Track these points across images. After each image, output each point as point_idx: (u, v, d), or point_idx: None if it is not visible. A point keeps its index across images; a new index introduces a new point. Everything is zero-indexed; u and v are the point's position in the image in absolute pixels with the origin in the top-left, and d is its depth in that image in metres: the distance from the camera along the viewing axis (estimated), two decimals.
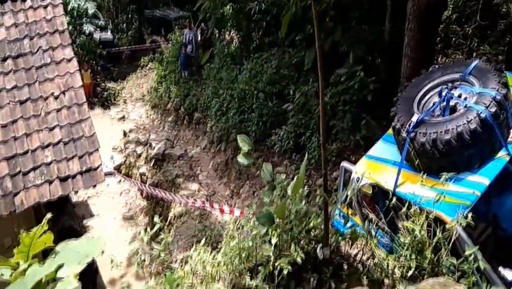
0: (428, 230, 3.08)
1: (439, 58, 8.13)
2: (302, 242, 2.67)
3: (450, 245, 2.80)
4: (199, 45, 12.93)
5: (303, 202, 2.67)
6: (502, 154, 3.59)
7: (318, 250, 2.57)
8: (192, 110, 10.85)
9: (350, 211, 4.09)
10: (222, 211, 6.34)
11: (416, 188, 3.64)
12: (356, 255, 2.84)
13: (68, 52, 6.26)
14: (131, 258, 7.42)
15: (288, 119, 7.40)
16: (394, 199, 3.36)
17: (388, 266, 2.71)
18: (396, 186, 3.71)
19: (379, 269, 2.70)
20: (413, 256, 2.69)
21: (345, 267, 2.71)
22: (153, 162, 9.83)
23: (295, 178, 2.73)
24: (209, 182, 8.38)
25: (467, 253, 2.66)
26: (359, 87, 6.79)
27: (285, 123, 7.43)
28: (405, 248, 2.76)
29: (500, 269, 3.27)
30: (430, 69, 4.41)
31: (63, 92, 5.97)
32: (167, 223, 7.58)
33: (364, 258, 2.83)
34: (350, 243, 2.88)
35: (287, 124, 7.35)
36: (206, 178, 8.61)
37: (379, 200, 3.82)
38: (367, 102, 6.56)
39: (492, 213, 4.02)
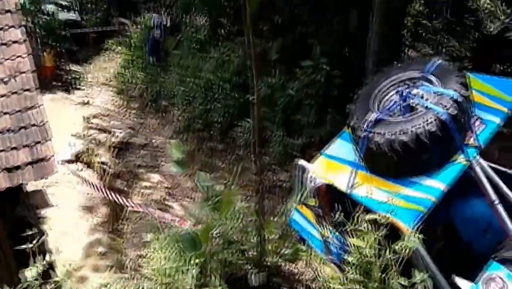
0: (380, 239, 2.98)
1: (409, 52, 8.10)
2: (234, 267, 2.49)
3: (403, 262, 2.71)
4: (168, 31, 12.51)
5: (239, 218, 2.50)
6: (460, 158, 3.52)
7: (249, 277, 2.40)
8: (158, 98, 10.54)
9: (307, 210, 3.99)
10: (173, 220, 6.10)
11: (372, 191, 3.54)
12: (299, 275, 2.70)
13: (19, 34, 5.83)
14: (88, 250, 7.18)
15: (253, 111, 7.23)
16: (349, 202, 3.27)
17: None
18: (351, 188, 3.60)
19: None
20: (360, 278, 2.56)
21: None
22: (115, 151, 9.49)
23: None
24: (173, 174, 8.17)
25: (417, 278, 2.56)
26: (325, 81, 6.68)
27: (250, 115, 7.25)
28: (352, 268, 2.65)
29: (455, 278, 3.22)
30: (391, 66, 4.33)
31: (13, 77, 5.60)
32: (126, 216, 7.34)
33: (309, 277, 2.69)
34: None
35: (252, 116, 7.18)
36: (170, 169, 8.39)
37: (336, 201, 3.71)
38: (333, 96, 6.47)
39: (450, 221, 3.97)
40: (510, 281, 3.07)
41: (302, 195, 3.87)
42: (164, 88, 10.30)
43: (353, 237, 2.77)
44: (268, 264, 2.53)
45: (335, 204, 3.60)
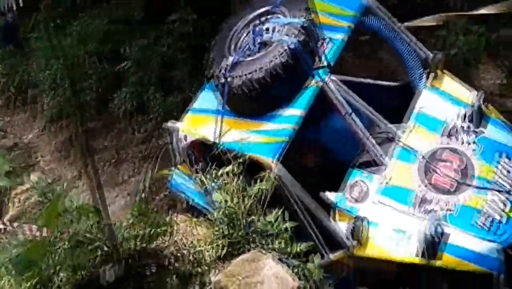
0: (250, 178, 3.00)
1: None
2: (87, 270, 2.31)
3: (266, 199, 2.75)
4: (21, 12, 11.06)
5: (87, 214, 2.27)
6: (313, 81, 3.60)
7: (102, 276, 2.24)
8: (24, 89, 9.42)
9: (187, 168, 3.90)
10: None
11: (241, 134, 3.53)
12: (166, 247, 2.61)
13: None
14: None
15: (128, 78, 6.81)
16: (219, 151, 3.23)
17: (201, 252, 2.55)
18: (220, 136, 3.55)
19: (191, 258, 2.52)
20: (225, 231, 2.56)
21: (153, 269, 2.46)
22: None
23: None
24: (54, 167, 7.51)
25: (272, 217, 2.62)
26: (194, 31, 6.40)
27: (125, 84, 6.83)
28: (216, 223, 2.64)
29: (323, 193, 3.39)
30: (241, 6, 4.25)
31: None
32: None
33: (183, 243, 2.61)
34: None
35: (128, 84, 6.77)
36: (50, 162, 7.69)
37: (210, 153, 3.65)
38: (205, 46, 6.25)
39: (320, 141, 4.15)
40: (370, 182, 3.31)
41: (176, 157, 3.77)
42: (29, 76, 9.22)
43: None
44: (126, 252, 2.40)
45: (209, 157, 3.56)
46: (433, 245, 2.84)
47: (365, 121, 3.83)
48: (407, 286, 2.59)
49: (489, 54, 4.83)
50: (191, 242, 2.61)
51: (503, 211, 2.97)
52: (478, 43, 4.81)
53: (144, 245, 2.48)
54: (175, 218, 2.87)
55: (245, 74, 3.52)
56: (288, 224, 2.63)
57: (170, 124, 3.96)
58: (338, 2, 3.93)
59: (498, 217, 2.94)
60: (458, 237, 2.89)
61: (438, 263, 2.85)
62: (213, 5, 6.83)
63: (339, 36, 3.76)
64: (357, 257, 3.07)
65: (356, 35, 5.52)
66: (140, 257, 2.46)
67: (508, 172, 3.13)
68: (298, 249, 2.55)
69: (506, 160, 3.19)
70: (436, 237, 2.82)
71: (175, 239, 2.62)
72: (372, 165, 3.43)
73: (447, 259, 2.86)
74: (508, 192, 3.02)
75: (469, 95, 3.57)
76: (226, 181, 2.87)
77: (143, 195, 2.75)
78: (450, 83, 3.71)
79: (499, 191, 3.04)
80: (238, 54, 3.70)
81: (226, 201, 2.72)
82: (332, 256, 3.16)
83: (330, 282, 2.51)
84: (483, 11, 4.75)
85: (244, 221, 2.67)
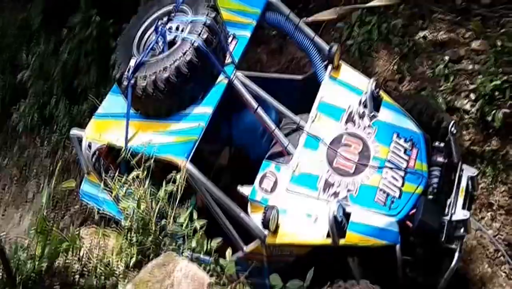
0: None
1: None
2: None
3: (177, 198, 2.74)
4: None
5: None
6: (221, 79, 3.64)
7: None
8: None
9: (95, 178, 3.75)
10: None
11: (149, 136, 3.47)
12: (72, 264, 2.48)
13: None
14: None
15: (28, 89, 6.33)
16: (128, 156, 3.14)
17: (110, 264, 2.47)
18: (127, 141, 3.45)
19: (100, 271, 2.43)
20: (135, 239, 2.50)
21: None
22: None
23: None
24: None
25: (183, 218, 2.62)
26: (99, 34, 6.11)
27: (25, 95, 6.35)
28: (126, 231, 2.57)
29: (239, 188, 3.47)
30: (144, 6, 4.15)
31: None
32: None
33: (91, 256, 2.50)
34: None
35: (28, 95, 6.30)
36: None
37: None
38: (111, 48, 5.99)
39: (226, 133, 4.20)
40: (278, 172, 3.43)
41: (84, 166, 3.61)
42: None
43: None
44: (23, 277, 2.24)
45: (119, 163, 3.46)
46: (338, 225, 3.02)
47: (274, 114, 3.98)
48: (319, 267, 2.72)
49: (382, 43, 5.24)
50: (99, 254, 2.51)
51: (397, 186, 3.24)
52: (372, 33, 5.21)
53: (45, 265, 2.33)
54: (81, 231, 2.73)
55: (150, 75, 3.48)
56: (197, 223, 2.64)
57: (74, 132, 3.77)
58: (242, 1, 4.00)
59: (393, 193, 3.21)
60: (359, 215, 3.11)
61: (342, 241, 3.03)
62: (119, 4, 6.59)
63: (244, 33, 3.85)
64: (270, 245, 3.17)
65: (265, 30, 5.71)
66: (41, 278, 2.30)
67: (400, 150, 3.43)
68: (209, 247, 2.56)
69: (398, 140, 3.48)
70: (340, 217, 3.01)
71: (81, 253, 2.50)
72: (283, 155, 3.59)
73: (350, 237, 3.05)
74: (400, 169, 3.32)
75: (364, 83, 3.81)
76: (133, 187, 2.79)
77: (45, 212, 2.57)
78: (347, 73, 3.94)
79: (393, 169, 3.32)
80: (142, 54, 3.63)
81: (134, 208, 2.66)
82: (247, 248, 3.25)
83: (243, 273, 2.56)
84: (375, 3, 5.14)
85: (154, 226, 2.63)
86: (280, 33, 5.74)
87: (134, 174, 2.87)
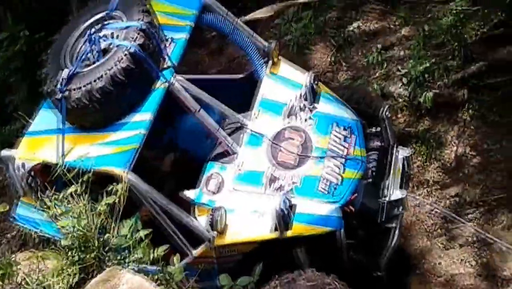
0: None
1: None
2: None
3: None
4: None
5: None
6: (159, 83, 3.56)
7: None
8: None
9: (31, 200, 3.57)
10: None
11: (86, 149, 3.34)
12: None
13: None
14: None
15: None
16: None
17: (49, 287, 2.35)
18: (62, 157, 3.30)
19: None
20: (76, 257, 2.39)
21: None
22: None
23: None
24: None
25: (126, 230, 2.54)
26: (27, 49, 5.83)
27: None
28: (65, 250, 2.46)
29: (183, 193, 3.42)
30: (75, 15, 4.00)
31: None
32: None
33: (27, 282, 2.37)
34: None
35: None
36: None
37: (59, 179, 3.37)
38: (42, 63, 5.75)
39: (169, 138, 4.14)
40: (224, 172, 3.43)
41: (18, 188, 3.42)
42: None
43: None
44: None
45: (57, 180, 3.30)
46: (284, 218, 3.05)
47: (216, 115, 3.95)
48: (268, 261, 2.74)
49: (318, 36, 5.38)
50: (38, 278, 2.38)
51: (339, 173, 3.33)
52: (308, 27, 5.32)
53: None
54: (18, 257, 2.58)
55: (84, 86, 3.34)
56: (141, 233, 2.57)
57: (5, 153, 3.56)
58: (176, 2, 3.95)
59: (335, 180, 3.28)
60: (304, 206, 3.16)
61: (289, 233, 3.07)
62: (48, 17, 6.32)
63: (181, 36, 3.78)
64: (219, 246, 3.15)
65: (203, 32, 5.68)
66: None
67: (339, 138, 3.51)
68: (156, 255, 2.50)
69: (337, 128, 3.57)
70: (286, 210, 3.05)
71: (18, 279, 2.36)
72: (228, 155, 3.58)
73: (296, 228, 3.10)
74: (341, 156, 3.41)
75: (303, 77, 3.87)
76: (71, 204, 2.68)
77: None
78: (286, 68, 3.99)
79: (333, 157, 3.40)
80: (74, 65, 3.49)
81: (74, 225, 2.54)
82: (195, 253, 3.20)
83: (192, 278, 2.53)
84: None
85: (97, 241, 2.54)
86: (219, 34, 5.92)
87: (71, 189, 2.75)
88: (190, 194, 3.37)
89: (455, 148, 4.61)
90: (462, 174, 4.56)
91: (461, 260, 4.21)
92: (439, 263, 4.26)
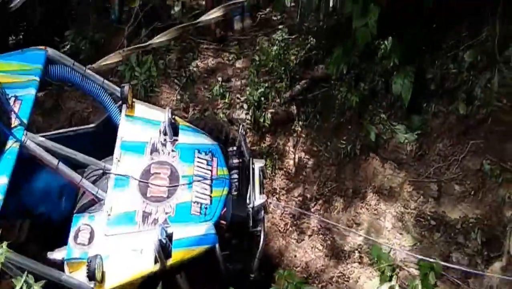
0: None
1: None
2: None
3: None
4: None
5: None
6: (11, 144, 3.33)
7: None
8: None
9: None
10: None
11: None
12: None
13: None
14: None
15: None
16: None
17: None
18: None
19: None
20: None
21: None
22: None
23: None
24: None
25: None
26: None
27: None
28: None
29: (49, 254, 3.26)
30: None
31: None
32: None
33: None
34: None
35: None
36: None
37: None
38: None
39: (22, 204, 3.83)
40: (93, 221, 3.38)
41: None
42: None
43: None
44: None
45: None
46: (163, 248, 3.13)
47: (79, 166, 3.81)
48: None
49: (162, 78, 5.70)
50: None
51: (207, 194, 3.57)
52: (151, 70, 5.58)
53: None
54: None
55: None
56: None
57: None
58: (18, 59, 3.81)
59: (205, 201, 3.51)
60: (181, 232, 3.30)
61: (169, 262, 3.15)
62: None
63: (28, 92, 3.64)
64: None
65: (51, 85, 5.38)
66: None
67: (203, 163, 3.77)
68: None
69: (200, 155, 3.82)
70: (164, 240, 3.14)
71: None
72: (94, 204, 3.49)
73: (176, 255, 3.20)
74: (207, 179, 3.67)
75: (160, 114, 4.07)
76: None
77: None
78: (142, 109, 4.14)
79: (200, 181, 3.63)
80: None
81: None
82: None
83: None
84: (154, 41, 5.44)
85: None
86: (52, 93, 5.76)
87: None
88: (56, 254, 3.23)
89: (293, 156, 5.29)
90: (302, 176, 5.18)
91: (311, 247, 4.78)
92: (295, 256, 4.79)
